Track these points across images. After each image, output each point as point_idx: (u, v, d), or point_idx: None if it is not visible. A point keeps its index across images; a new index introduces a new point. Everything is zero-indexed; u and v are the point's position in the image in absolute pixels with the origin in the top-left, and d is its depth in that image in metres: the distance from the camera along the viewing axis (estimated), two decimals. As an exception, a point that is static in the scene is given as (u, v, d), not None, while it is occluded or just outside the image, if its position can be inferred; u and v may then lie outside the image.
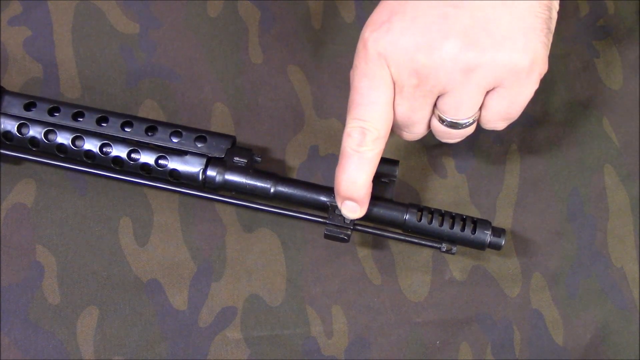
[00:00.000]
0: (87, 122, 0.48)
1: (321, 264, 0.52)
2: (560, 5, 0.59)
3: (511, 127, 0.56)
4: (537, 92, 0.56)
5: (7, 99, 0.48)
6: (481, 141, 0.55)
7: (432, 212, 0.46)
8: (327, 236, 0.46)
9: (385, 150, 0.54)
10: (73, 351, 0.49)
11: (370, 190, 0.44)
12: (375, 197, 0.46)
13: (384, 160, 0.47)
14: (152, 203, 0.52)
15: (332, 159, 0.54)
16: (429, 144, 0.55)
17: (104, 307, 0.50)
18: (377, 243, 0.53)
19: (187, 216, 0.52)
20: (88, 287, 0.50)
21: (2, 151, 0.48)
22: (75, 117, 0.48)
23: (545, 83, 0.57)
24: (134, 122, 0.48)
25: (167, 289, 0.51)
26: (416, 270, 0.53)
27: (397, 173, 0.47)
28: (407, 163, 0.54)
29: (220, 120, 0.54)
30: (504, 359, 0.52)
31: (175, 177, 0.48)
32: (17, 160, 0.52)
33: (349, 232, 0.46)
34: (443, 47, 0.38)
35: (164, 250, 0.51)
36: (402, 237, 0.47)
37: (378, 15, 0.40)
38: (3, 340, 0.49)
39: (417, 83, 0.40)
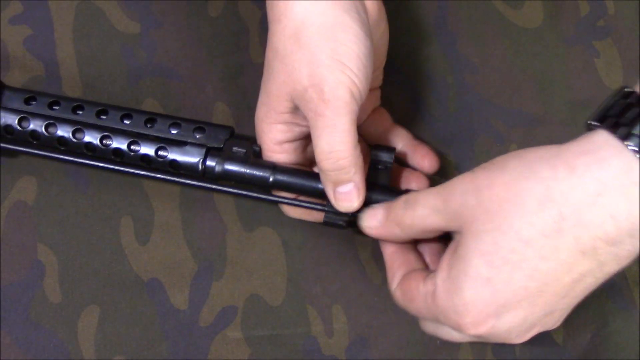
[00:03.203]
0: (87, 115, 0.48)
1: (322, 263, 0.52)
2: (560, 5, 0.59)
3: (511, 127, 0.56)
4: (538, 92, 0.57)
5: (7, 93, 0.48)
6: (481, 141, 0.56)
7: None
8: (325, 223, 0.46)
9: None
10: (74, 350, 0.49)
11: (362, 168, 0.44)
12: (371, 184, 0.46)
13: (379, 148, 0.48)
14: (153, 202, 0.52)
15: (332, 158, 0.54)
16: (430, 144, 0.55)
17: (105, 306, 0.50)
18: (377, 242, 0.53)
19: (188, 215, 0.52)
20: (89, 285, 0.50)
21: (3, 145, 0.48)
22: (75, 110, 0.48)
23: (546, 83, 0.57)
24: (133, 115, 0.48)
25: (168, 288, 0.51)
26: (416, 270, 0.53)
27: (393, 160, 0.47)
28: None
29: (222, 120, 0.54)
30: (504, 358, 0.52)
31: (175, 167, 0.48)
32: (18, 154, 0.51)
33: (347, 218, 0.46)
34: (528, 334, 0.41)
35: (165, 250, 0.51)
36: None
37: (482, 302, 0.38)
38: (4, 339, 0.49)
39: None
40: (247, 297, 0.51)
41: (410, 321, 0.52)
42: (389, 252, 0.46)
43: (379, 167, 0.48)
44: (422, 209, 0.41)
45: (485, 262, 0.38)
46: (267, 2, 0.44)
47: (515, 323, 0.39)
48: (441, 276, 0.40)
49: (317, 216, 0.49)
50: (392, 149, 0.48)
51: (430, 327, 0.45)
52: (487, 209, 0.38)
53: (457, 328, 0.40)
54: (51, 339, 0.49)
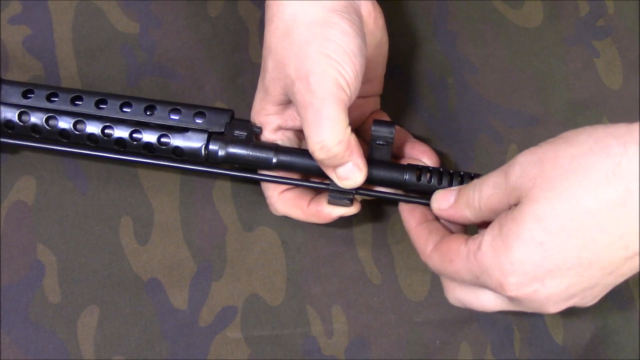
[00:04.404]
0: (87, 106, 0.48)
1: (321, 264, 0.52)
2: (560, 5, 0.59)
3: (511, 127, 0.56)
4: (537, 92, 0.57)
5: (4, 87, 0.48)
6: (481, 141, 0.56)
7: (430, 170, 0.47)
8: (330, 202, 0.47)
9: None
10: (73, 350, 0.49)
11: (357, 147, 0.44)
12: (373, 160, 0.47)
13: (379, 123, 0.48)
14: (152, 202, 0.52)
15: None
16: (430, 143, 0.55)
17: (104, 306, 0.50)
18: (377, 242, 0.53)
19: (187, 215, 0.52)
20: (89, 286, 0.50)
21: (4, 140, 0.48)
22: (73, 101, 0.48)
23: (545, 83, 0.57)
24: (132, 103, 0.48)
25: (168, 288, 0.51)
26: (416, 270, 0.53)
27: (393, 135, 0.47)
28: (407, 163, 0.54)
29: (221, 120, 0.54)
30: (504, 358, 0.52)
31: (178, 154, 0.48)
32: (18, 149, 0.51)
33: (352, 197, 0.46)
34: (565, 304, 0.40)
35: (165, 250, 0.51)
36: (405, 198, 0.48)
37: (531, 264, 0.38)
38: (3, 340, 0.49)
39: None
40: (246, 297, 0.51)
41: (410, 321, 0.52)
42: (415, 225, 0.46)
43: (379, 142, 0.47)
44: (486, 188, 0.41)
45: (540, 227, 0.37)
46: (265, 2, 0.45)
47: (558, 290, 0.39)
48: (490, 233, 0.40)
49: (301, 215, 0.48)
50: (391, 124, 0.48)
51: (460, 294, 0.45)
52: (548, 178, 0.37)
53: (498, 288, 0.39)
54: (51, 339, 0.49)
